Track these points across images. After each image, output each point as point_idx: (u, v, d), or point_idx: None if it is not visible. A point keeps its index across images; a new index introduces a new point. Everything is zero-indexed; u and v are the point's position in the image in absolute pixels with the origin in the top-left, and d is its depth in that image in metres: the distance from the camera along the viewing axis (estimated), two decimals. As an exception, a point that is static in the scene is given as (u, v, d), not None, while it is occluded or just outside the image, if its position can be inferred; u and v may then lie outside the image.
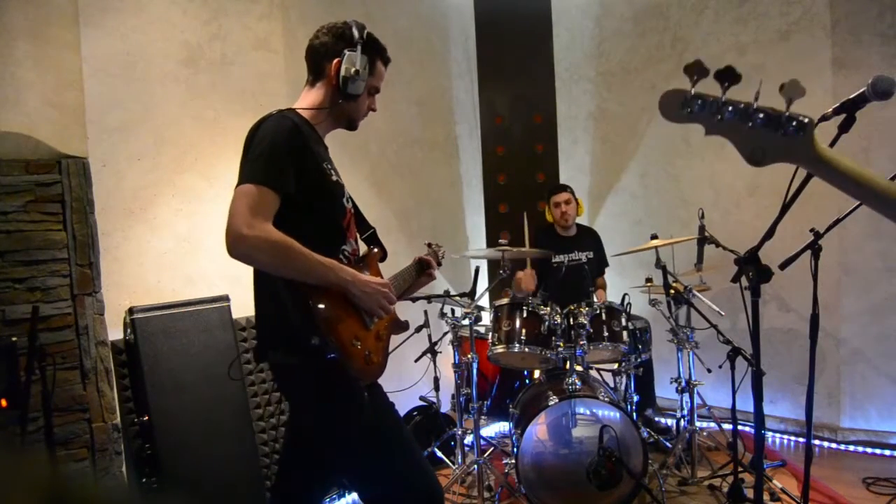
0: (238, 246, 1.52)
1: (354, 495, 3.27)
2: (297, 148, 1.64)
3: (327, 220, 1.73)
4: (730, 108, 0.91)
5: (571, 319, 3.19)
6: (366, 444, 1.66)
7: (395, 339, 3.30)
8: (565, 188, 4.01)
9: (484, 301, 3.95)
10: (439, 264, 2.35)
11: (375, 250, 1.94)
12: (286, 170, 1.60)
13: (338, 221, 1.75)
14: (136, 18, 2.80)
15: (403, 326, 1.94)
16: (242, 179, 1.58)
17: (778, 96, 0.97)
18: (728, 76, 0.91)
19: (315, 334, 1.55)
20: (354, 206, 1.94)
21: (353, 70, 1.73)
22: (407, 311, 3.61)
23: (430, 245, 2.37)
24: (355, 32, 1.76)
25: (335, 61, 1.76)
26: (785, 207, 1.60)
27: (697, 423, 3.32)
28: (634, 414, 3.27)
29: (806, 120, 0.92)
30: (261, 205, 1.54)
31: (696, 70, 0.90)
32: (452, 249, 4.25)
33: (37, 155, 2.47)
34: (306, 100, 1.82)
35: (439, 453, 3.57)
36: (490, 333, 3.27)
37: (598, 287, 4.03)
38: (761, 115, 0.91)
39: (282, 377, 1.78)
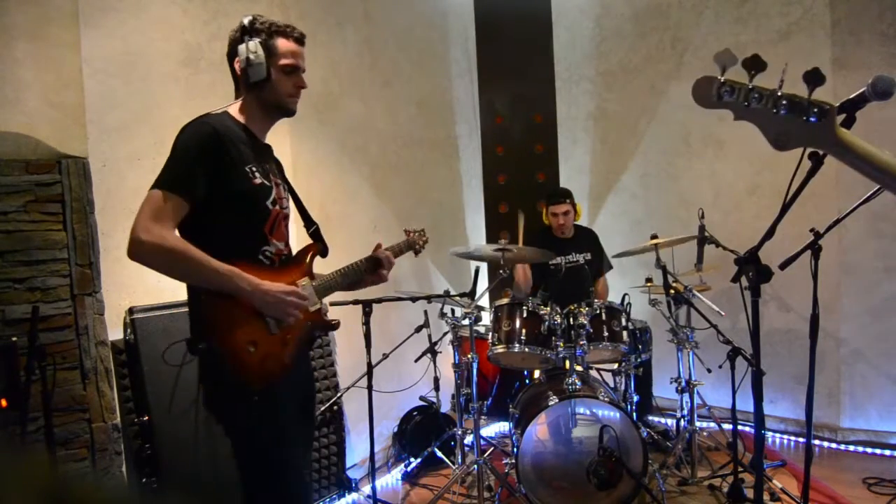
0: (135, 251, 1.59)
1: (355, 495, 3.28)
2: (211, 153, 1.66)
3: (245, 223, 1.75)
4: (756, 96, 0.97)
5: (571, 319, 3.19)
6: (245, 448, 1.72)
7: (395, 340, 3.36)
8: (564, 198, 3.92)
9: (484, 301, 3.95)
10: (417, 252, 2.35)
11: (317, 246, 1.95)
12: (195, 176, 1.64)
13: (257, 224, 1.76)
14: (136, 18, 2.80)
15: (331, 326, 1.94)
16: (153, 184, 1.64)
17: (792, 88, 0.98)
18: (755, 65, 0.97)
19: (202, 339, 1.64)
20: (298, 202, 1.97)
21: (244, 58, 1.76)
22: (407, 311, 3.62)
23: (408, 232, 2.37)
24: (242, 27, 1.80)
25: (235, 60, 1.81)
26: (785, 207, 1.60)
27: (697, 423, 3.32)
28: (634, 414, 3.27)
29: (827, 107, 0.97)
30: (163, 210, 1.59)
31: (725, 58, 0.96)
32: (453, 249, 4.26)
33: (37, 155, 2.47)
34: (234, 105, 1.86)
35: (439, 453, 3.57)
36: (490, 333, 3.27)
37: (596, 291, 4.00)
38: (785, 102, 0.97)
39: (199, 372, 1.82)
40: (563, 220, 3.90)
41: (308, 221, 2.00)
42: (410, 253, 2.43)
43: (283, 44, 1.83)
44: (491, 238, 4.90)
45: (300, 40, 1.88)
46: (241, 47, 1.77)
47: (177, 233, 1.64)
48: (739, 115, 1.01)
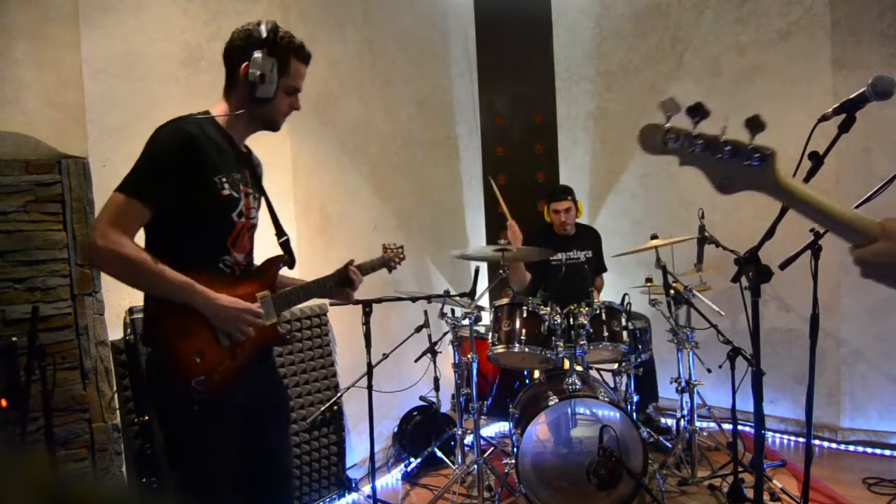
0: (91, 255, 1.61)
1: (354, 495, 3.28)
2: (180, 162, 1.63)
3: (207, 233, 1.72)
4: (700, 142, 1.00)
5: (571, 319, 3.19)
6: (176, 451, 1.73)
7: (395, 340, 3.36)
8: (566, 195, 3.91)
9: (484, 301, 3.95)
10: (391, 269, 2.32)
11: (283, 258, 1.92)
12: (161, 182, 1.61)
13: (219, 235, 1.74)
14: (136, 19, 2.80)
15: (283, 341, 1.91)
16: (117, 187, 1.61)
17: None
18: (698, 112, 0.99)
19: (149, 345, 1.66)
20: (272, 211, 1.92)
21: (258, 73, 1.71)
22: (407, 311, 3.62)
23: (385, 248, 2.32)
24: (263, 33, 1.73)
25: (243, 65, 1.74)
26: (785, 207, 1.60)
27: (697, 423, 3.32)
28: (634, 414, 3.27)
29: (769, 151, 1.00)
30: (123, 216, 1.57)
31: (669, 106, 0.99)
32: (452, 249, 4.26)
33: (37, 155, 2.47)
34: (220, 106, 1.80)
35: (439, 453, 3.57)
36: (490, 333, 3.27)
37: (596, 285, 4.01)
38: (728, 148, 0.99)
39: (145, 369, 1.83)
40: (564, 217, 3.89)
41: (280, 232, 1.95)
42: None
43: (295, 66, 1.80)
44: (491, 238, 4.90)
45: (309, 61, 1.85)
46: (258, 58, 1.71)
47: (136, 240, 1.62)
48: (684, 161, 1.02)
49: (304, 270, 2.17)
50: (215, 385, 1.67)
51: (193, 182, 1.65)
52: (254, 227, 1.87)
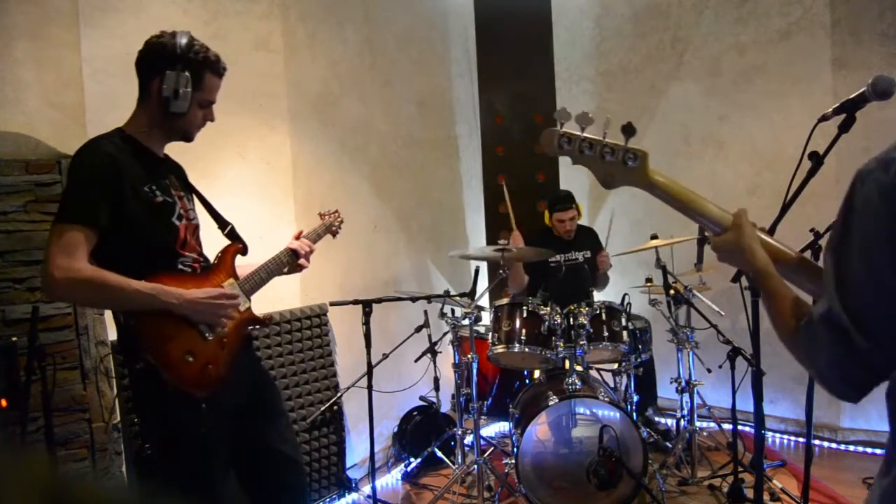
0: (51, 290, 1.60)
1: (355, 495, 3.28)
2: (108, 180, 1.63)
3: (155, 242, 1.73)
4: (587, 145, 1.19)
5: (571, 319, 3.19)
6: (189, 453, 1.72)
7: (395, 340, 3.36)
8: (570, 204, 3.88)
9: (484, 301, 3.95)
10: (335, 234, 2.34)
11: (237, 245, 1.94)
12: (96, 204, 1.61)
13: (167, 241, 1.75)
14: (136, 19, 2.80)
15: (262, 322, 1.94)
16: (55, 219, 1.61)
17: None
18: (584, 120, 1.17)
19: (140, 358, 1.64)
20: (208, 205, 1.95)
21: (171, 90, 1.70)
22: (407, 311, 3.62)
23: (321, 215, 2.35)
24: (176, 46, 1.72)
25: (156, 80, 1.73)
26: (785, 207, 1.60)
27: (697, 423, 3.32)
28: (634, 414, 3.27)
29: (640, 153, 1.20)
30: (70, 245, 1.57)
31: (562, 115, 1.18)
32: (452, 249, 4.26)
33: (37, 155, 2.47)
34: (135, 118, 1.80)
35: (439, 453, 3.57)
36: (490, 333, 3.27)
37: (598, 264, 3.94)
38: (608, 150, 1.19)
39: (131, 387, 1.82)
40: (569, 225, 3.90)
41: (221, 223, 1.97)
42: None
43: (209, 80, 1.79)
44: (491, 238, 4.90)
45: (223, 74, 1.85)
46: (172, 75, 1.70)
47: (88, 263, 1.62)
48: (576, 161, 1.21)
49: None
50: (216, 378, 1.69)
51: (126, 196, 1.65)
52: (196, 226, 1.89)
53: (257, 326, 2.00)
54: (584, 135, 1.18)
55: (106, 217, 1.62)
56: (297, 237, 2.11)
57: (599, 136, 1.19)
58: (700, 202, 1.24)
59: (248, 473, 1.87)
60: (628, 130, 1.18)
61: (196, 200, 1.96)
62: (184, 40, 1.73)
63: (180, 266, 1.76)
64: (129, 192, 1.66)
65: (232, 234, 1.96)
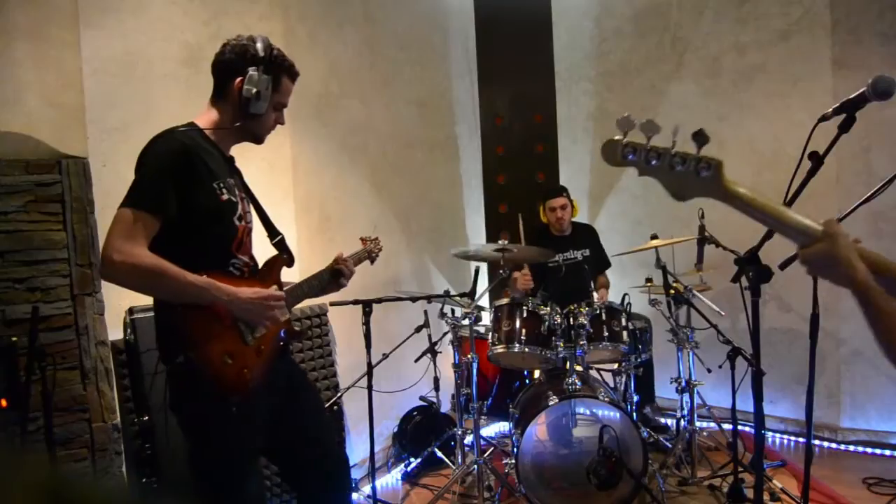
0: (108, 271, 1.60)
1: (355, 495, 3.27)
2: (180, 171, 1.66)
3: (213, 239, 1.75)
4: (654, 155, 1.10)
5: (571, 319, 3.19)
6: (213, 456, 1.74)
7: (395, 340, 3.35)
8: (561, 192, 3.95)
9: (484, 301, 3.95)
10: (373, 260, 2.40)
11: (283, 257, 1.96)
12: (166, 193, 1.63)
13: (225, 240, 1.77)
14: (136, 18, 2.80)
15: (298, 335, 1.99)
16: (122, 202, 1.63)
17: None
18: (650, 128, 1.09)
19: (180, 353, 1.65)
20: (262, 213, 1.96)
21: (254, 91, 1.74)
22: (407, 311, 3.62)
23: (363, 240, 2.41)
24: (259, 50, 1.76)
25: (237, 80, 1.76)
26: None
27: (697, 423, 3.32)
28: (634, 414, 3.27)
29: (715, 162, 1.10)
30: (134, 230, 1.59)
31: (625, 123, 1.09)
32: (453, 249, 4.25)
33: (37, 155, 2.47)
34: (209, 115, 1.82)
35: (439, 453, 3.57)
36: (490, 333, 3.27)
37: (598, 286, 3.98)
38: (678, 160, 1.10)
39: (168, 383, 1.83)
40: (560, 213, 3.90)
41: (272, 232, 1.98)
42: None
43: (285, 83, 1.85)
44: (491, 238, 4.90)
45: (296, 79, 1.90)
46: (255, 76, 1.74)
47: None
48: (642, 172, 1.12)
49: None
50: (249, 383, 1.70)
51: (194, 189, 1.67)
52: (251, 230, 1.90)
53: (292, 339, 2.02)
54: (651, 144, 1.10)
55: (174, 207, 1.64)
56: (337, 260, 2.13)
57: (667, 145, 1.09)
58: (784, 212, 1.11)
59: (292, 473, 1.96)
60: (700, 138, 1.09)
61: (251, 206, 1.96)
62: (265, 44, 1.78)
63: (231, 267, 1.78)
64: (197, 185, 1.68)
65: (280, 245, 1.97)
